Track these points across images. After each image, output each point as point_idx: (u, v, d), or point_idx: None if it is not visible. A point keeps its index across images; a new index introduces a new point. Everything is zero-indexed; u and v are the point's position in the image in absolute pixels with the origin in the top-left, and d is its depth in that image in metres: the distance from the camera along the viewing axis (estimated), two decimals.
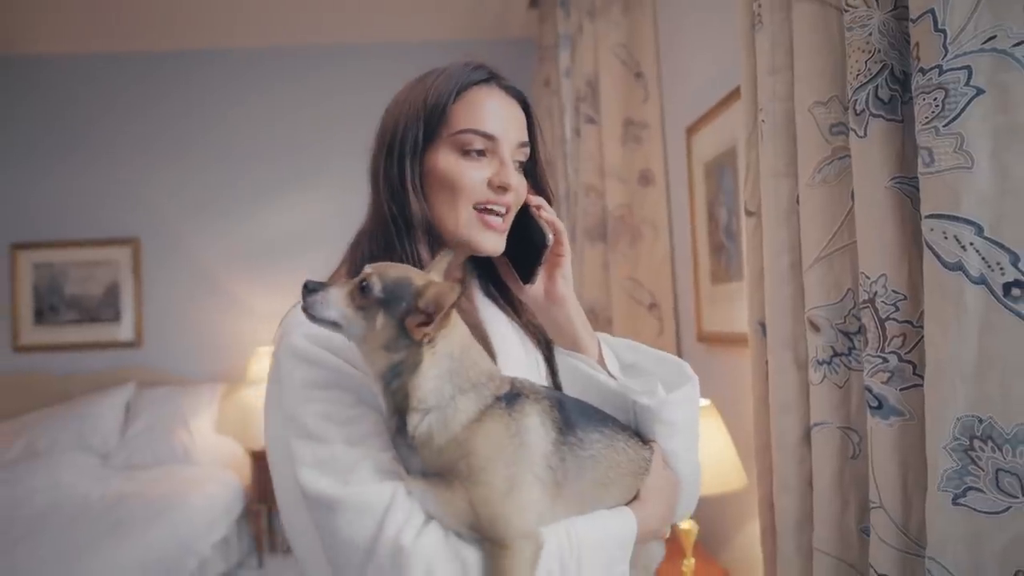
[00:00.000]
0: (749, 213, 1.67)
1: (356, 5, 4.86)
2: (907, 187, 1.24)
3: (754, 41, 1.55)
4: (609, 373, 1.12)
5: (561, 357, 1.14)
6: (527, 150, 1.12)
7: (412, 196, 1.06)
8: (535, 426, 0.93)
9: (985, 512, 1.12)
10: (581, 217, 3.49)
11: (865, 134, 1.25)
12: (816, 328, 1.38)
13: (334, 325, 0.92)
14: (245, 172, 5.31)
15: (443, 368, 0.92)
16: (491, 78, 1.11)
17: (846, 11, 1.27)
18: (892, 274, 1.24)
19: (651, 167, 3.21)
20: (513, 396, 0.94)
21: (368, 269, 0.93)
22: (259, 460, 4.76)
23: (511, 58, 5.26)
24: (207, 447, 4.78)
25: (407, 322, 0.90)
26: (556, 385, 1.15)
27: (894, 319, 1.24)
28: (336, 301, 0.91)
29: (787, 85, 1.46)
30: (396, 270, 0.93)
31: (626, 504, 1.04)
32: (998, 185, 1.10)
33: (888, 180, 1.24)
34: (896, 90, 1.24)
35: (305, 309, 0.91)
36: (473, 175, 1.06)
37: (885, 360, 1.25)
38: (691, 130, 2.81)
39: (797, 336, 1.47)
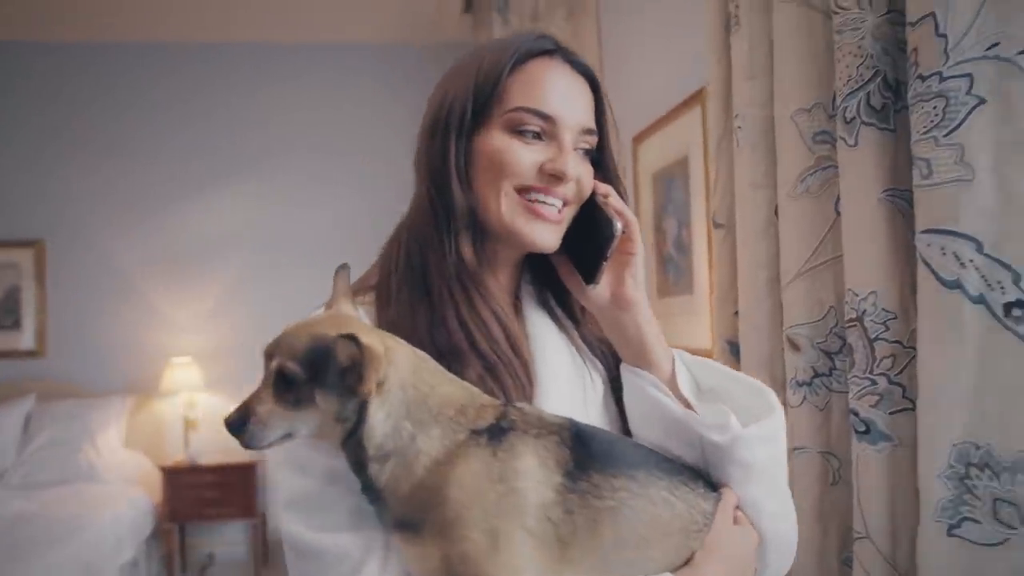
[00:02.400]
0: (718, 225, 1.60)
1: (286, 4, 4.67)
2: (899, 200, 1.18)
3: (729, 44, 1.48)
4: (681, 397, 0.90)
5: (625, 375, 0.94)
6: (593, 139, 0.94)
7: (455, 180, 0.90)
8: (529, 468, 0.77)
9: (982, 544, 1.07)
10: None
11: (856, 143, 1.19)
12: (796, 347, 1.32)
13: (286, 437, 0.79)
14: (162, 171, 5.03)
15: (395, 403, 0.78)
16: (556, 50, 0.94)
17: (836, 13, 1.21)
18: (883, 291, 1.18)
19: None
20: (499, 430, 0.78)
21: (274, 355, 0.79)
22: (171, 476, 4.51)
23: (445, 62, 5.15)
24: (115, 463, 4.49)
25: (356, 388, 0.76)
26: (620, 410, 0.96)
27: (884, 339, 1.18)
28: (271, 417, 0.78)
29: (765, 91, 1.39)
30: (299, 338, 0.78)
31: (674, 571, 0.83)
32: (1000, 199, 1.05)
33: (880, 192, 1.18)
34: (889, 98, 1.18)
35: (248, 447, 0.79)
36: (523, 156, 0.89)
37: (874, 382, 1.19)
38: (638, 139, 2.75)
39: (774, 355, 1.40)
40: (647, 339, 0.92)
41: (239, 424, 0.78)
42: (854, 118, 1.19)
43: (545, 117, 0.90)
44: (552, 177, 0.90)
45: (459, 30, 4.88)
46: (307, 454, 0.84)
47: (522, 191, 0.90)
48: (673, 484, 0.84)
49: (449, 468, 0.76)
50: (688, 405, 0.90)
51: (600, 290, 0.93)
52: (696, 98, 2.23)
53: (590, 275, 0.92)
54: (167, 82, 5.07)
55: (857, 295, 1.19)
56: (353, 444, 0.78)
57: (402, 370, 0.79)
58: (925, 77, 1.08)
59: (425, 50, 5.20)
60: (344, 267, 0.90)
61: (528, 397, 0.89)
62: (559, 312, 1.01)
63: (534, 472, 0.77)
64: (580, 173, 0.92)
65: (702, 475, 0.89)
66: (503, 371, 0.88)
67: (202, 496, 4.52)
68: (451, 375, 0.84)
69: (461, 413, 0.79)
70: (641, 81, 2.78)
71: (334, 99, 5.16)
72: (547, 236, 0.92)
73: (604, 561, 0.79)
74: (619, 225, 0.90)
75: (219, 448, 4.80)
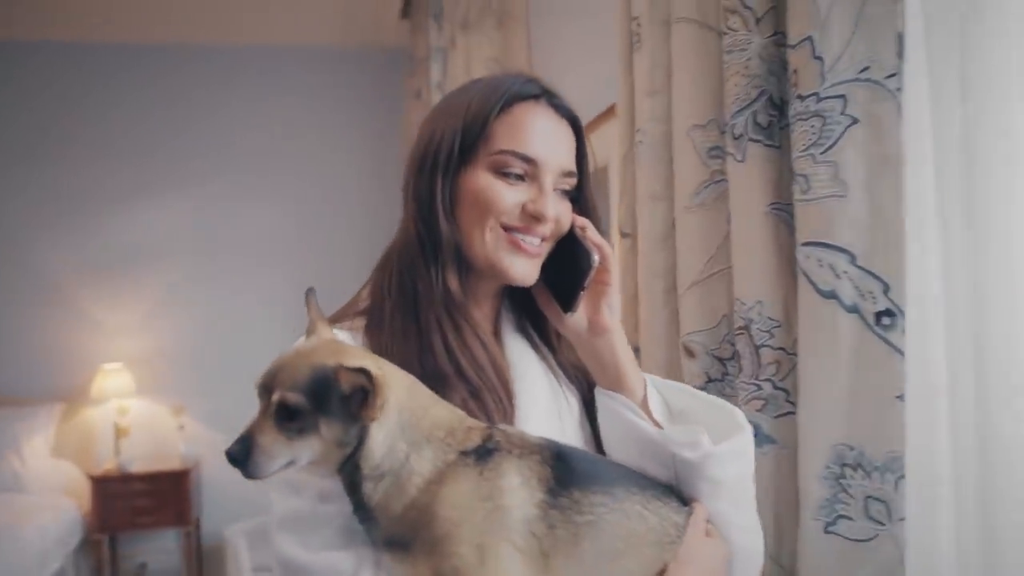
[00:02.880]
0: (624, 235, 1.64)
1: (223, 4, 4.62)
2: (783, 214, 1.23)
3: (632, 61, 1.53)
4: (653, 420, 0.96)
5: (601, 399, 0.99)
6: (573, 180, 1.01)
7: (441, 216, 0.96)
8: (514, 486, 0.81)
9: (855, 540, 1.12)
10: None
11: (743, 159, 1.24)
12: (691, 354, 1.37)
13: (288, 465, 0.80)
14: (92, 174, 4.93)
15: (391, 425, 0.82)
16: (542, 94, 1.00)
17: (725, 34, 1.26)
18: (768, 300, 1.23)
19: None
20: (485, 451, 0.83)
21: (273, 388, 0.80)
22: (100, 485, 4.42)
23: (383, 67, 5.16)
24: (41, 473, 4.39)
25: (360, 413, 0.80)
26: (595, 432, 1.02)
27: (769, 346, 1.23)
28: (274, 447, 0.79)
29: (665, 107, 1.45)
30: (299, 369, 0.80)
31: None
32: (871, 214, 1.11)
33: (765, 206, 1.23)
34: (774, 116, 1.24)
35: (251, 477, 0.79)
36: (507, 197, 0.95)
37: (759, 387, 1.24)
38: None
39: (672, 361, 1.45)
40: (622, 365, 0.98)
41: (243, 456, 0.79)
42: (742, 134, 1.24)
43: (528, 160, 0.95)
44: (532, 217, 0.96)
45: (397, 35, 4.89)
46: (298, 476, 0.87)
47: (505, 228, 0.96)
48: (646, 499, 0.89)
49: (439, 487, 0.80)
50: (660, 427, 0.95)
51: (577, 318, 0.98)
52: (613, 110, 2.29)
53: (568, 303, 0.98)
54: (97, 83, 4.98)
55: (744, 304, 1.25)
56: (350, 467, 0.82)
57: (398, 393, 0.83)
58: (804, 97, 1.14)
59: (363, 54, 5.21)
60: (312, 291, 0.92)
61: (509, 419, 0.94)
62: (537, 339, 1.07)
63: (518, 490, 0.82)
64: (559, 212, 0.98)
65: (674, 491, 0.94)
66: (487, 395, 0.93)
67: (133, 504, 4.45)
68: (438, 397, 0.88)
69: (451, 435, 0.84)
70: (569, 91, 2.82)
71: (270, 102, 5.13)
72: (527, 270, 0.98)
73: (584, 572, 0.83)
74: (596, 257, 0.96)
75: (150, 455, 4.73)
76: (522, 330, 1.07)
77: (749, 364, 1.24)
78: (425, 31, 4.12)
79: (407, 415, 0.83)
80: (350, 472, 0.82)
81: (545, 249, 0.99)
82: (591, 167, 1.05)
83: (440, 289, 0.95)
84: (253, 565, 4.20)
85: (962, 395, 1.09)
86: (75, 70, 4.97)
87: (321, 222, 5.10)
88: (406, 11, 4.62)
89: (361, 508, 0.83)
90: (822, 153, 1.13)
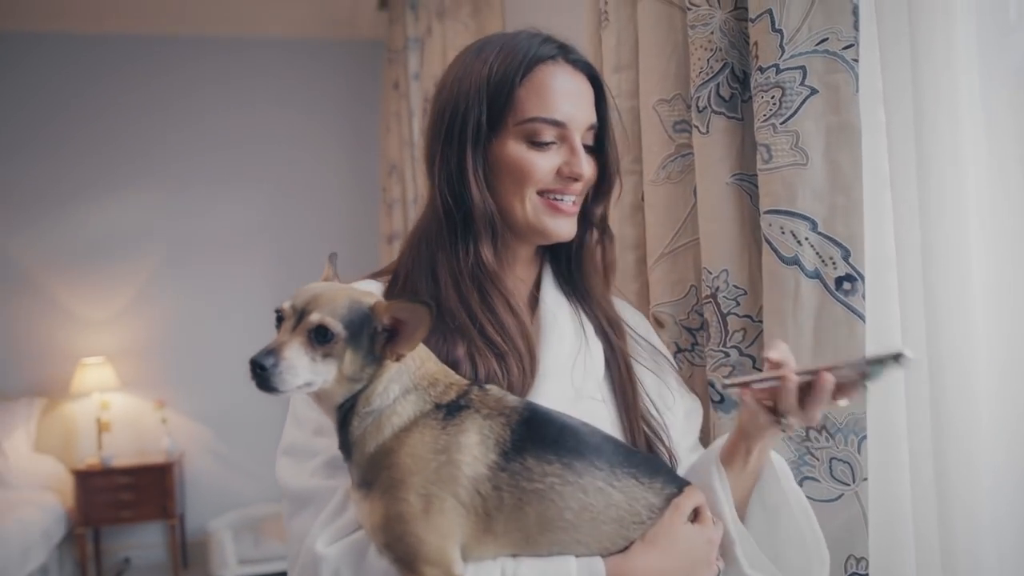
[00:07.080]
0: None
1: None
2: (747, 183, 1.26)
3: (600, 39, 1.55)
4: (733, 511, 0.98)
5: (710, 467, 0.99)
6: (595, 132, 1.05)
7: (474, 188, 0.98)
8: (470, 444, 0.84)
9: (820, 500, 1.15)
10: None
11: (707, 131, 1.27)
12: (661, 324, 1.39)
13: (304, 386, 0.82)
14: (66, 165, 4.90)
15: (395, 369, 0.87)
16: (559, 52, 1.03)
17: (689, 10, 1.28)
18: (733, 269, 1.26)
19: None
20: (456, 407, 0.86)
21: (311, 310, 0.81)
22: (83, 479, 4.41)
23: (360, 59, 5.15)
24: (23, 468, 4.38)
25: (384, 350, 0.85)
26: (612, 377, 1.06)
27: (735, 313, 1.26)
28: (300, 364, 0.80)
29: (632, 82, 1.47)
30: (337, 300, 0.83)
31: (607, 556, 0.88)
32: (830, 181, 1.13)
33: (729, 176, 1.26)
34: (736, 88, 1.26)
35: (270, 388, 0.79)
36: (543, 165, 0.99)
37: (727, 354, 1.27)
38: None
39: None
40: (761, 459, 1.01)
41: (264, 365, 0.78)
42: (706, 107, 1.27)
43: (558, 124, 0.99)
44: (569, 178, 1.01)
45: (374, 27, 4.89)
46: (303, 409, 0.96)
47: (541, 192, 1.01)
48: (615, 475, 0.88)
49: (407, 435, 0.84)
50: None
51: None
52: None
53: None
54: (69, 74, 4.95)
55: (711, 273, 1.27)
56: (349, 404, 0.86)
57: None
58: (764, 69, 1.17)
59: (341, 46, 5.20)
60: (334, 254, 0.97)
61: (528, 382, 0.97)
62: (569, 288, 1.11)
63: (473, 448, 0.84)
64: (588, 170, 1.03)
65: (664, 472, 0.95)
66: (512, 359, 0.96)
67: (116, 499, 4.45)
68: (434, 356, 0.92)
69: (432, 386, 0.88)
70: None
71: (247, 94, 5.11)
72: (567, 228, 1.04)
73: (528, 538, 0.85)
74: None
75: (133, 450, 4.73)
76: (561, 286, 1.11)
77: (716, 332, 1.27)
78: (402, 21, 4.13)
79: (409, 362, 0.87)
80: (347, 410, 0.85)
81: (579, 204, 1.05)
82: (615, 117, 1.09)
83: (472, 259, 0.98)
84: (238, 558, 4.21)
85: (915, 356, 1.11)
86: (44, 61, 4.93)
87: (299, 214, 5.10)
88: (383, 2, 4.63)
89: (344, 445, 0.87)
90: (782, 123, 1.15)
